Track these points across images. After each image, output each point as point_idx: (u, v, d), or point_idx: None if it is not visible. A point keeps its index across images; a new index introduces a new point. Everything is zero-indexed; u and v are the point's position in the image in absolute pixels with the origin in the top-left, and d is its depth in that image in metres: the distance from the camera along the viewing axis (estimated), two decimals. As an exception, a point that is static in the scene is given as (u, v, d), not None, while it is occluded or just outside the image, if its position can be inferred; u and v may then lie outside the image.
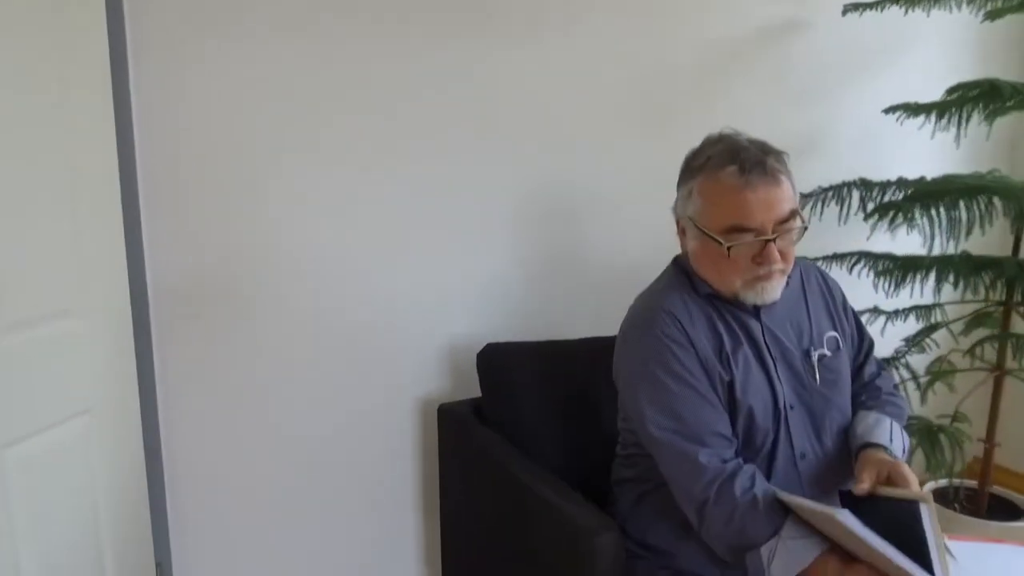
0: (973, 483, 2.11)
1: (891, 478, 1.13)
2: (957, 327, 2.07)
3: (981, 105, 1.82)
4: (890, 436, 1.25)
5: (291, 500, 1.75)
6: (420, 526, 1.93)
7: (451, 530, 1.80)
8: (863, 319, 1.86)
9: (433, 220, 1.79)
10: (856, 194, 2.04)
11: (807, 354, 1.28)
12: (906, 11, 2.02)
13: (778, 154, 1.20)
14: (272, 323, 1.65)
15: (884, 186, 2.00)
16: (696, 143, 1.28)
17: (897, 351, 2.12)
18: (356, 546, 1.85)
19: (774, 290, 1.22)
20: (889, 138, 2.21)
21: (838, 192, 2.07)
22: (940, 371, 2.07)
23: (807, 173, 2.01)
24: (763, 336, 1.26)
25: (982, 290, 1.89)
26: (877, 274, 2.01)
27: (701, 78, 2.01)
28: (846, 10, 2.07)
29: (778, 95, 2.14)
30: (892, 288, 1.98)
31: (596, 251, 2.02)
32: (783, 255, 1.19)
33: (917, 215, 1.83)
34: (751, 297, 1.22)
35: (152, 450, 1.55)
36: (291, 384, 1.70)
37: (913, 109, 1.98)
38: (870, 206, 1.97)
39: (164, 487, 1.61)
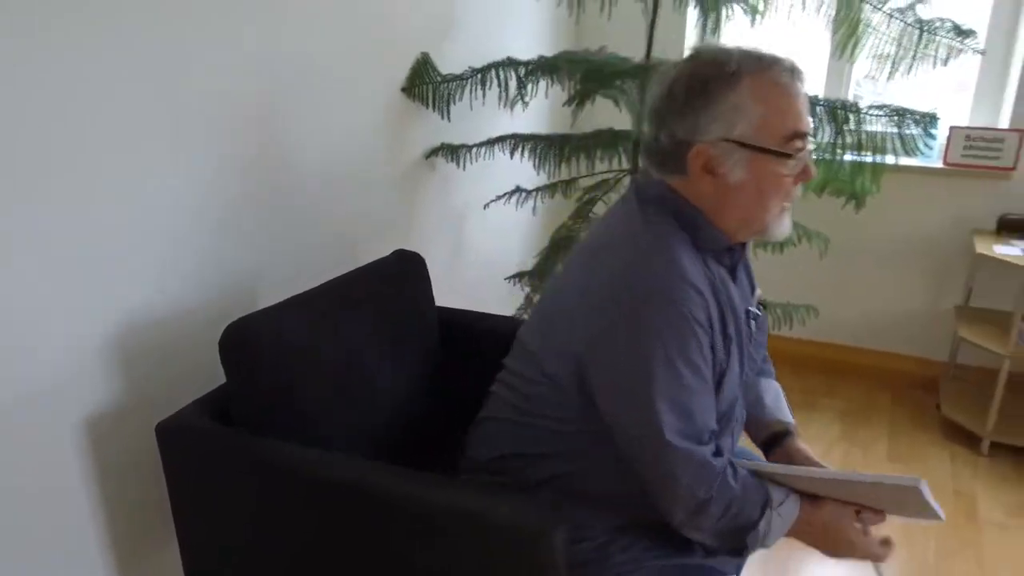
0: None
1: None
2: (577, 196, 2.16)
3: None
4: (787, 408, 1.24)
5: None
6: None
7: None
8: (503, 201, 2.02)
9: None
10: (504, 75, 1.97)
11: (747, 315, 1.11)
12: None
13: None
14: None
15: (528, 65, 1.93)
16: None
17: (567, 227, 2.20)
18: None
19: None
20: (500, 17, 2.33)
21: (485, 74, 1.98)
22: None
23: (450, 53, 2.07)
24: (737, 300, 1.07)
25: (615, 161, 1.97)
26: (534, 154, 2.01)
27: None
28: None
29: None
30: (549, 166, 2.00)
31: (305, 166, 1.62)
32: None
33: (617, 90, 1.87)
34: (776, 231, 1.04)
35: None
36: None
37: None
38: (513, 84, 1.94)
39: None
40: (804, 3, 1.84)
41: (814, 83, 2.79)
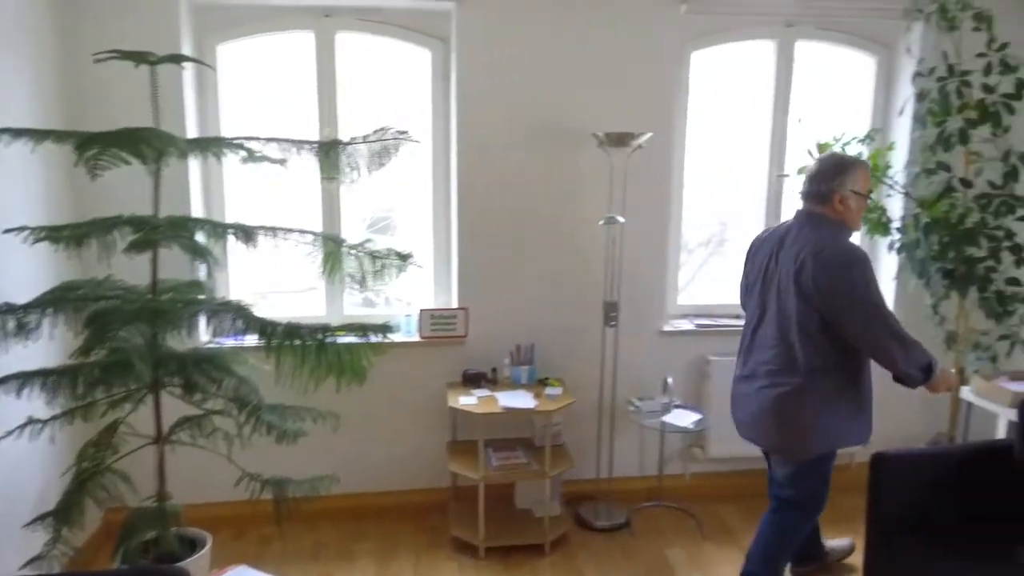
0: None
1: None
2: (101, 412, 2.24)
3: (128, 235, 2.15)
4: None
5: None
6: None
7: None
8: (14, 436, 2.29)
9: None
10: (2, 320, 2.09)
11: None
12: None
13: None
14: None
15: (27, 306, 2.10)
16: None
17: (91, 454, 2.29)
18: None
19: None
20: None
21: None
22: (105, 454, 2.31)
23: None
24: None
25: (131, 381, 2.20)
26: (45, 389, 2.11)
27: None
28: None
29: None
30: (64, 398, 2.13)
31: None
32: None
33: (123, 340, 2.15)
34: (859, 228, 2.57)
35: None
36: None
37: (52, 232, 2.12)
38: (13, 326, 2.08)
39: None
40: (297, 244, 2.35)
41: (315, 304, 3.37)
